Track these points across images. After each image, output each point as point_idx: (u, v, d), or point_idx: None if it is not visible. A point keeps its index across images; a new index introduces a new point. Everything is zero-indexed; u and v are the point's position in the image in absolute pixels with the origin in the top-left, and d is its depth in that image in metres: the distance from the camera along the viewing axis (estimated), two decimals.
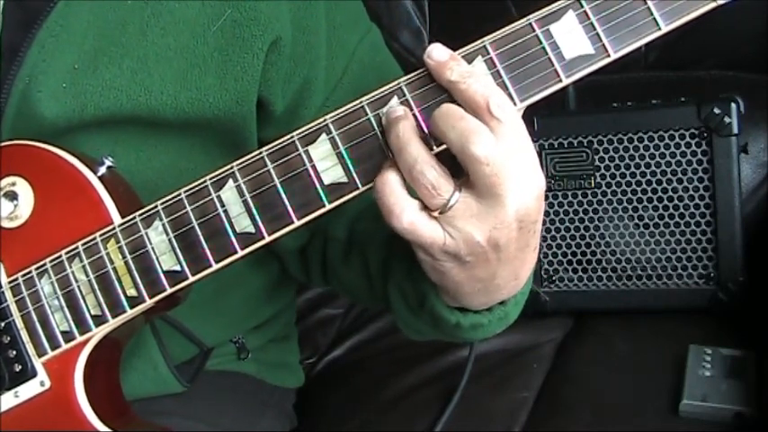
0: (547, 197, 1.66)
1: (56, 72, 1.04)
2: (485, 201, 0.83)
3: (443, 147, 0.86)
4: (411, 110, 0.87)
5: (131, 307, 0.96)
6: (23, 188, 1.00)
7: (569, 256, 1.67)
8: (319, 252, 1.24)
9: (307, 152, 0.89)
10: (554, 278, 1.68)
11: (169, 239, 0.94)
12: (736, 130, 1.55)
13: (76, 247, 0.97)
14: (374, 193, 0.87)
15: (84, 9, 1.05)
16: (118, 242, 0.96)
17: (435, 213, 0.85)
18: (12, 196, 0.99)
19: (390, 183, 0.85)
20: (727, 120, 1.54)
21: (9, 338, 1.00)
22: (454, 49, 0.87)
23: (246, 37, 1.07)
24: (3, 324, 1.00)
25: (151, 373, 1.24)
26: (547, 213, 1.67)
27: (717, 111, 1.55)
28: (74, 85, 1.05)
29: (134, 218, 0.95)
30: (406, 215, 0.85)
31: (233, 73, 1.08)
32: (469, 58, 0.87)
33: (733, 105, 1.54)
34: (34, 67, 1.04)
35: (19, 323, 0.99)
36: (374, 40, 1.21)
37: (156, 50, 1.06)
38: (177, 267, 0.94)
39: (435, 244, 0.86)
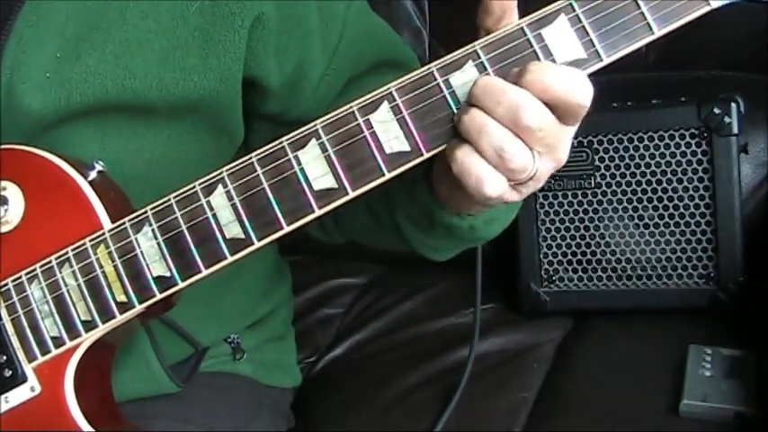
0: (547, 197, 1.67)
1: (37, 62, 1.04)
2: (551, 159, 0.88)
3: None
4: (401, 113, 0.86)
5: (121, 312, 0.96)
6: (14, 193, 0.99)
7: (569, 256, 1.67)
8: None
9: (296, 157, 0.89)
10: (554, 278, 1.67)
11: (158, 245, 0.94)
12: (736, 130, 1.54)
13: (66, 252, 0.97)
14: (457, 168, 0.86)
15: None
16: (107, 247, 0.95)
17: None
18: (2, 201, 0.99)
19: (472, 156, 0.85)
20: (727, 120, 1.54)
21: None
22: (451, 51, 0.86)
23: (226, 15, 1.05)
24: None
25: (144, 371, 1.23)
26: (547, 213, 1.67)
27: (717, 111, 1.55)
28: (57, 74, 1.04)
29: (123, 223, 0.95)
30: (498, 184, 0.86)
31: (215, 51, 1.07)
32: (461, 62, 0.86)
33: (733, 105, 1.54)
34: (15, 59, 1.03)
35: (9, 328, 0.99)
36: (360, 5, 1.19)
37: (138, 34, 1.05)
38: (167, 273, 0.94)
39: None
